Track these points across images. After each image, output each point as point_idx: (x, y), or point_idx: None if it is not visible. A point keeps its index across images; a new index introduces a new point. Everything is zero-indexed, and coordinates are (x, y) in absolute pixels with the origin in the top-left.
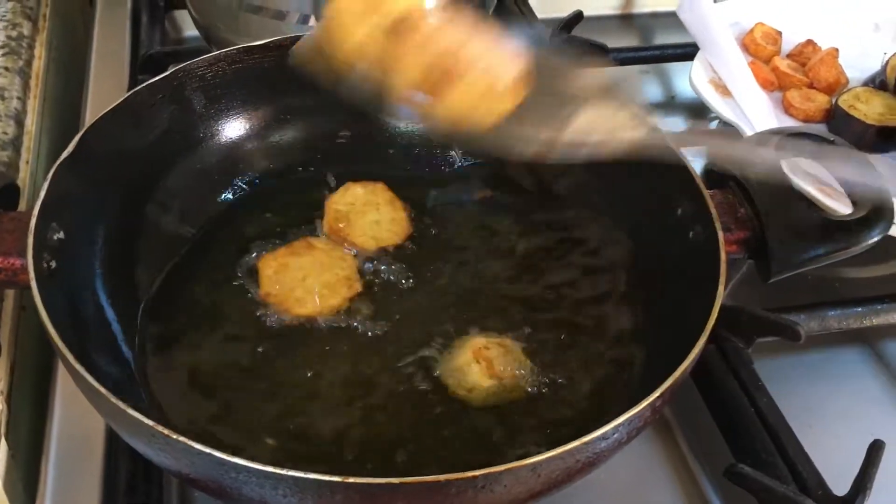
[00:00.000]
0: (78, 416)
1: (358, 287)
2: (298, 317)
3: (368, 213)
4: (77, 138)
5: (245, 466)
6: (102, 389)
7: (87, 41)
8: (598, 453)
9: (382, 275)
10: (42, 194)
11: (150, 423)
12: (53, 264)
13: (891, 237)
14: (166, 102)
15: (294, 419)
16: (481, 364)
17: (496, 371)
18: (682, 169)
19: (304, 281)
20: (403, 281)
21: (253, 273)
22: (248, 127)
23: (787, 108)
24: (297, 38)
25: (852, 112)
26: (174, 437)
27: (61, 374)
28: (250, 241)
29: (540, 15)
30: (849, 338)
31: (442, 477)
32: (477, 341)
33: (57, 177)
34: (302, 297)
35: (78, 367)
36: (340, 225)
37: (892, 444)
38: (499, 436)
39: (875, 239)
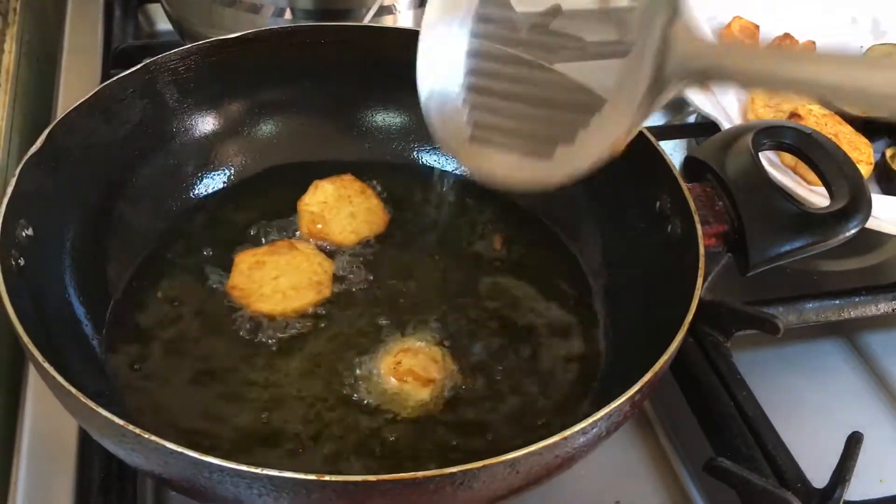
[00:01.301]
0: (50, 415)
1: (327, 293)
2: (259, 313)
3: (343, 209)
4: (45, 133)
5: (219, 466)
6: (72, 389)
7: (58, 35)
8: (577, 448)
9: (354, 278)
10: (9, 191)
11: (121, 422)
12: (22, 262)
13: (868, 229)
14: (137, 96)
15: (259, 419)
16: (406, 381)
17: (423, 377)
18: (661, 162)
19: (275, 280)
20: (372, 286)
21: (225, 268)
22: (221, 121)
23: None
24: (272, 31)
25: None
26: (145, 436)
27: (32, 375)
28: (223, 236)
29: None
30: (827, 330)
31: (420, 474)
32: (390, 359)
33: (25, 173)
34: (267, 295)
35: (47, 366)
36: (318, 226)
37: (869, 436)
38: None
39: (853, 231)
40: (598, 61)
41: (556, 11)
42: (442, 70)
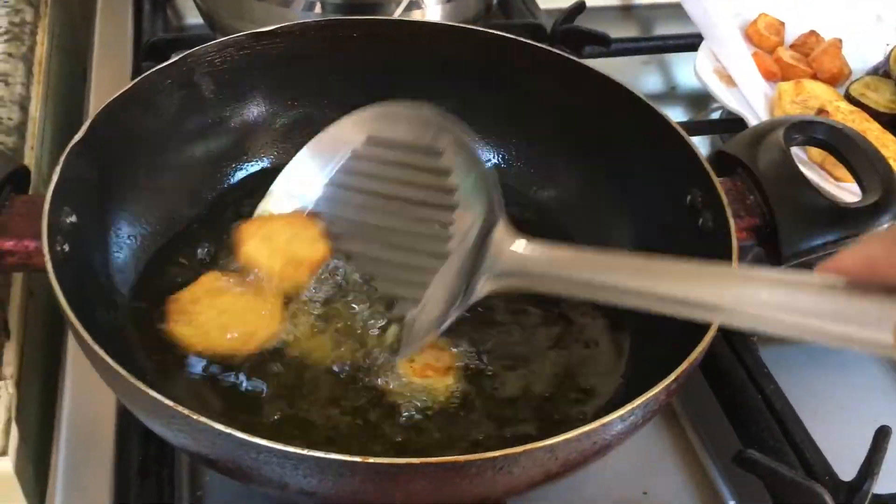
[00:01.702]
0: (88, 400)
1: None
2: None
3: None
4: (88, 122)
5: (267, 447)
6: (122, 371)
7: (88, 28)
8: (615, 436)
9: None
10: (55, 177)
11: (170, 403)
12: (66, 247)
13: None
14: (175, 88)
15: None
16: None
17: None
18: (692, 156)
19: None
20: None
21: None
22: (254, 113)
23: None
24: (305, 24)
25: (863, 100)
26: (194, 417)
27: (71, 359)
28: None
29: (543, 5)
30: None
31: (462, 458)
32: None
33: (69, 160)
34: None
35: (97, 348)
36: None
37: None
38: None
39: (885, 225)
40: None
41: None
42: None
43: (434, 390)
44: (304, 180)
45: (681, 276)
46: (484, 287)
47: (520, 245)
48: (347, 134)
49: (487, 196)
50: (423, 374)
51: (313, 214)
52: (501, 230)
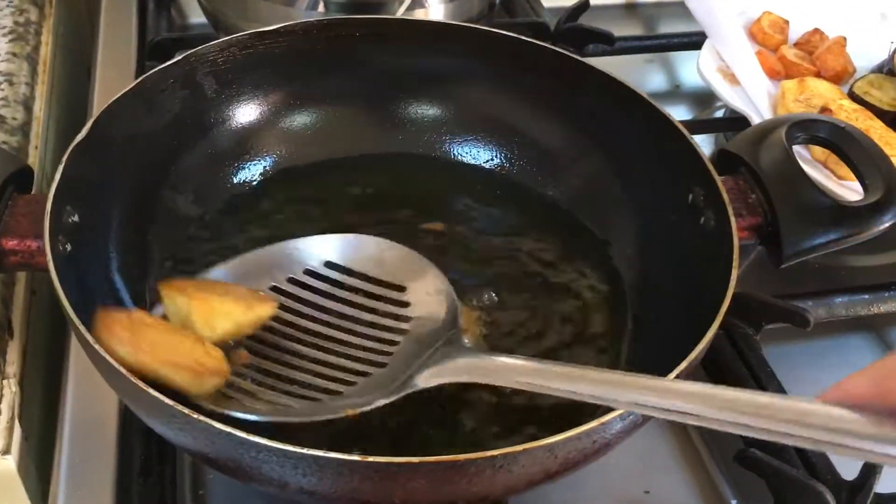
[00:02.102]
0: (91, 398)
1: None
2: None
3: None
4: (91, 122)
5: (266, 446)
6: (122, 370)
7: (93, 28)
8: (614, 434)
9: None
10: (57, 177)
11: (170, 402)
12: (69, 247)
13: None
14: (178, 87)
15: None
16: None
17: None
18: (694, 154)
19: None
20: None
21: None
22: (257, 112)
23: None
24: (307, 23)
25: (867, 98)
26: (194, 416)
27: (73, 357)
28: (261, 225)
29: (546, 4)
30: (856, 325)
31: (461, 457)
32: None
33: (71, 160)
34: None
35: (98, 348)
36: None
37: None
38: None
39: (887, 224)
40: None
41: None
42: None
43: None
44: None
45: (598, 382)
46: (421, 381)
47: (467, 356)
48: (305, 253)
49: (447, 309)
50: None
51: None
52: (453, 339)
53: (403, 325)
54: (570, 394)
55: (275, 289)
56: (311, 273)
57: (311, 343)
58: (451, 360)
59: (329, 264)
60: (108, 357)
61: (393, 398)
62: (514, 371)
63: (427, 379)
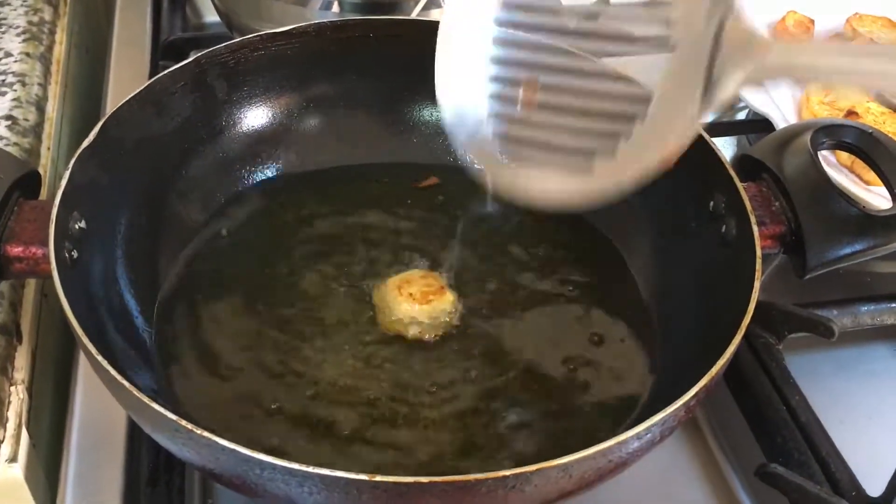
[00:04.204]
0: (99, 405)
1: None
2: None
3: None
4: (98, 126)
5: (270, 463)
6: (126, 383)
7: (107, 27)
8: (630, 453)
9: None
10: (63, 183)
11: (174, 417)
12: (75, 254)
13: None
14: (188, 90)
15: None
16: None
17: None
18: (715, 159)
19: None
20: None
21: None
22: (269, 115)
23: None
24: (321, 24)
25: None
26: (197, 431)
27: (83, 363)
28: (272, 232)
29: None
30: (881, 334)
31: (472, 477)
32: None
33: (78, 165)
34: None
35: (101, 360)
36: None
37: None
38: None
39: None
40: (642, 63)
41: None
42: (464, 79)
43: (441, 310)
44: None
45: None
46: (730, 79)
47: (755, 31)
48: None
49: None
50: (426, 301)
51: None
52: (734, 16)
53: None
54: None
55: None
56: None
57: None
58: (744, 44)
59: None
60: (110, 369)
61: (712, 108)
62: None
63: (731, 79)
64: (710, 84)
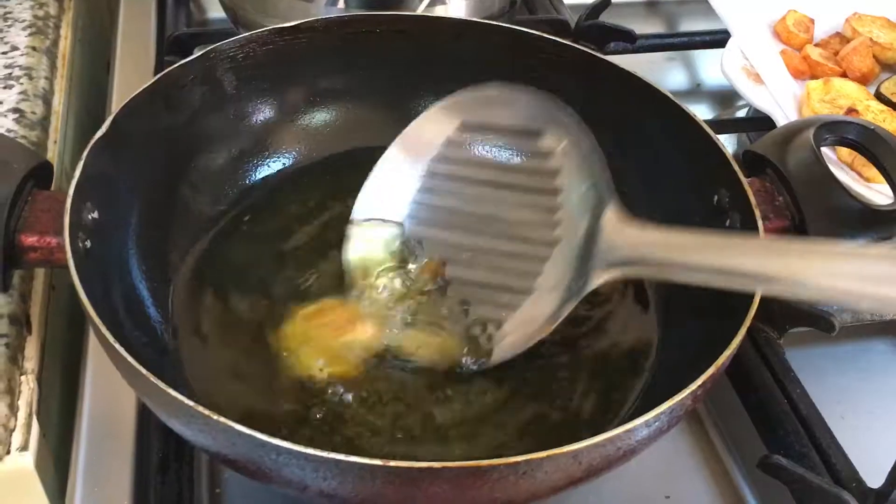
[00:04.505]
0: (109, 395)
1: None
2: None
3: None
4: (111, 118)
5: (287, 448)
6: (143, 370)
7: (112, 22)
8: (639, 441)
9: None
10: (77, 174)
11: (191, 403)
12: (88, 244)
13: None
14: (198, 83)
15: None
16: None
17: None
18: (720, 154)
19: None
20: None
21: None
22: (277, 109)
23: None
24: (328, 20)
25: (895, 99)
26: (215, 417)
27: (92, 354)
28: (281, 224)
29: (567, 1)
30: (881, 329)
31: (484, 462)
32: None
33: (91, 156)
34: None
35: (118, 347)
36: None
37: None
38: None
39: None
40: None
41: None
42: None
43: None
44: (395, 179)
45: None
46: (600, 276)
47: (634, 229)
48: (438, 123)
49: (595, 177)
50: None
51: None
52: (612, 213)
53: (556, 182)
54: (769, 280)
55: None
56: (453, 143)
57: (486, 231)
58: (618, 239)
59: (465, 126)
60: (127, 356)
61: (575, 303)
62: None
63: (598, 275)
64: (581, 278)
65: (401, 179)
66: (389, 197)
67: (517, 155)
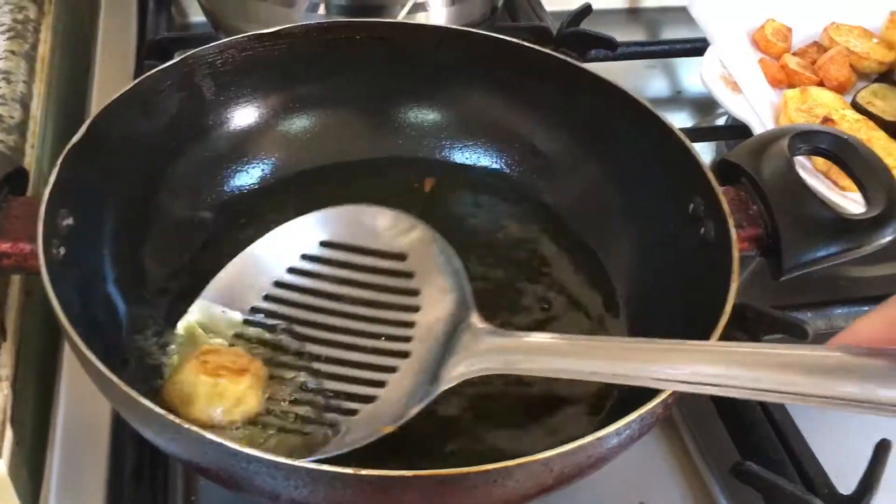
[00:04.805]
0: (83, 402)
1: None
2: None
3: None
4: (87, 124)
5: (257, 457)
6: (114, 378)
7: (92, 26)
8: (610, 449)
9: None
10: (52, 179)
11: (162, 412)
12: (62, 251)
13: None
14: (175, 89)
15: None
16: None
17: None
18: (695, 163)
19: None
20: None
21: None
22: (256, 115)
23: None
24: (307, 26)
25: (871, 108)
26: (185, 426)
27: (66, 361)
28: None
29: (549, 7)
30: None
31: (455, 471)
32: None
33: (67, 162)
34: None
35: (89, 355)
36: None
37: None
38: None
39: (889, 238)
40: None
41: None
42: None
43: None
44: (244, 283)
45: (645, 354)
46: (452, 380)
47: (491, 336)
48: (298, 237)
49: (458, 292)
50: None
51: (249, 322)
52: (472, 326)
53: (415, 301)
54: (616, 377)
55: (277, 284)
56: (308, 257)
57: (332, 342)
58: (475, 344)
59: (325, 244)
60: (99, 364)
61: (424, 404)
62: (548, 351)
63: (451, 375)
64: (433, 384)
65: (244, 290)
66: (239, 290)
67: (377, 275)
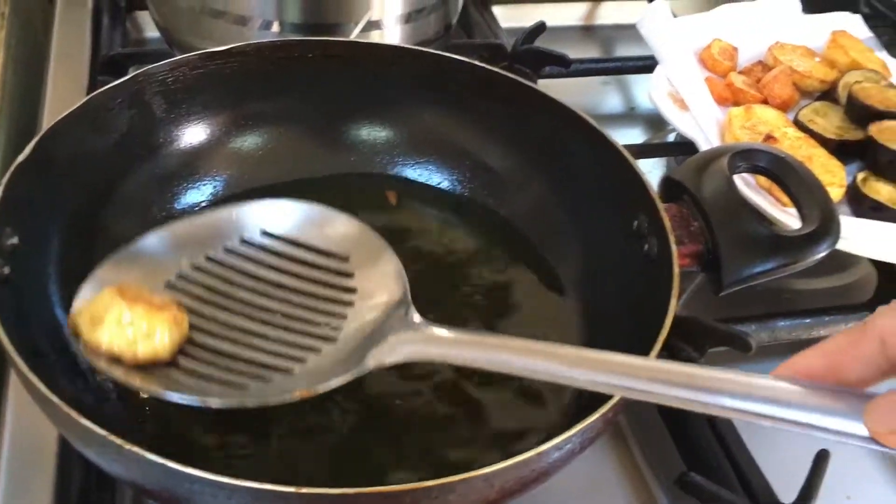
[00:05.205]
0: (30, 424)
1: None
2: None
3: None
4: (34, 142)
5: (199, 477)
6: (55, 398)
7: (46, 41)
8: (551, 463)
9: None
10: None
11: (102, 432)
12: (7, 270)
13: (839, 250)
14: (126, 106)
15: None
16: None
17: None
18: (639, 181)
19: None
20: None
21: None
22: (207, 133)
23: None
24: (260, 44)
25: (812, 126)
26: (126, 446)
27: (13, 383)
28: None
29: (504, 24)
30: (797, 349)
31: (397, 487)
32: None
33: (12, 181)
34: None
35: (30, 375)
36: None
37: (837, 454)
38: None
39: (822, 254)
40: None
41: None
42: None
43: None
44: (178, 250)
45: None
46: (377, 361)
47: (423, 327)
48: (242, 221)
49: (396, 293)
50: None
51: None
52: (406, 318)
53: (349, 297)
54: (533, 373)
55: (210, 259)
56: (248, 243)
57: (255, 317)
58: (404, 334)
59: (267, 233)
60: (39, 385)
61: (345, 380)
62: (469, 345)
63: (379, 357)
64: (358, 366)
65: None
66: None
67: (315, 271)
